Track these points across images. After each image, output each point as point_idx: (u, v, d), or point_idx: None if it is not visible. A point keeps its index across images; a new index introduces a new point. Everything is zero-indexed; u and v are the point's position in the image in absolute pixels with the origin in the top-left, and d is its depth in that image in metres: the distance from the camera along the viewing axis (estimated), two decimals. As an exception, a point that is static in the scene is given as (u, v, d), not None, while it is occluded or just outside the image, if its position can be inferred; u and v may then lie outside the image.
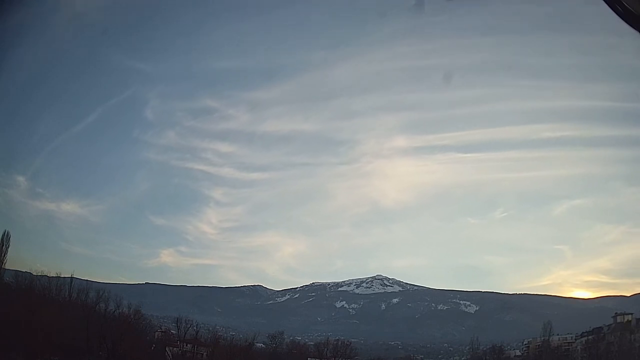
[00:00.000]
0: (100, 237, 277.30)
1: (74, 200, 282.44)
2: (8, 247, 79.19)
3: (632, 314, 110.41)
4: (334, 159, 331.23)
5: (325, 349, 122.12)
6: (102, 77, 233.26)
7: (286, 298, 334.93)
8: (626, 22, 4.28)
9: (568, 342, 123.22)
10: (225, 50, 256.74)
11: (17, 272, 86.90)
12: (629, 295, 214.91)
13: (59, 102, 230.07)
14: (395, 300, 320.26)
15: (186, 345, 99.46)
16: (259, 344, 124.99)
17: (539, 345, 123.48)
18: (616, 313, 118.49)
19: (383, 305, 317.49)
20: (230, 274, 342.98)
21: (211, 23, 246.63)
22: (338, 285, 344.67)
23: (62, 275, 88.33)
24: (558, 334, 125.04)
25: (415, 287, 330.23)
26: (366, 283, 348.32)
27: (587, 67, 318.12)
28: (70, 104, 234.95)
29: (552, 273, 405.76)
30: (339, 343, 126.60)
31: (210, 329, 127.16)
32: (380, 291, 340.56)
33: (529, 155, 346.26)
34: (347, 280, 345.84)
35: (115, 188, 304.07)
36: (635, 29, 4.31)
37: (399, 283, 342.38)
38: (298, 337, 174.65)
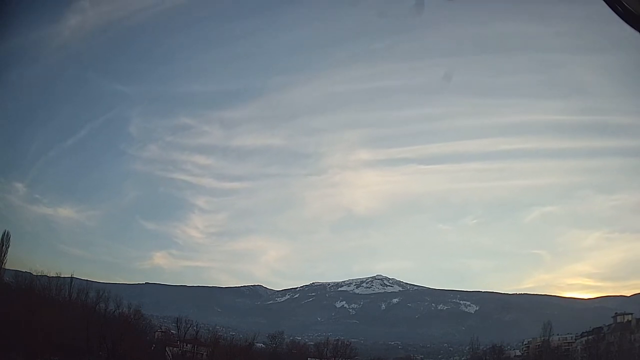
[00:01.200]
0: (97, 239, 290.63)
1: (70, 205, 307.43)
2: (8, 247, 79.05)
3: (632, 314, 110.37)
4: (303, 170, 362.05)
5: (325, 349, 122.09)
6: (89, 98, 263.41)
7: (286, 298, 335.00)
8: (626, 22, 4.27)
9: (568, 342, 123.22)
10: (197, 74, 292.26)
11: (17, 272, 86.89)
12: (629, 295, 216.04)
13: (53, 119, 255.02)
14: (395, 300, 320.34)
15: (186, 345, 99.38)
16: (259, 344, 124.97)
17: (539, 345, 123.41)
18: (616, 313, 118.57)
19: (383, 305, 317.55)
20: (221, 276, 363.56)
21: (184, 51, 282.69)
22: (338, 285, 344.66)
23: (62, 275, 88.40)
24: (558, 334, 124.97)
25: (415, 287, 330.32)
26: (366, 283, 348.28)
27: (540, 84, 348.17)
28: (63, 121, 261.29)
29: (533, 276, 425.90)
30: (339, 343, 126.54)
31: (210, 329, 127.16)
32: (380, 291, 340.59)
33: (491, 166, 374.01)
34: (347, 280, 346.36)
35: (107, 195, 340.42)
36: (635, 29, 4.30)
37: (399, 283, 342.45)
38: (298, 337, 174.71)
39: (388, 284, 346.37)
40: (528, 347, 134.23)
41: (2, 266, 79.27)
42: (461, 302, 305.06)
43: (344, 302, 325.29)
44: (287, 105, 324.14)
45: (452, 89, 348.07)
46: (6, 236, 79.28)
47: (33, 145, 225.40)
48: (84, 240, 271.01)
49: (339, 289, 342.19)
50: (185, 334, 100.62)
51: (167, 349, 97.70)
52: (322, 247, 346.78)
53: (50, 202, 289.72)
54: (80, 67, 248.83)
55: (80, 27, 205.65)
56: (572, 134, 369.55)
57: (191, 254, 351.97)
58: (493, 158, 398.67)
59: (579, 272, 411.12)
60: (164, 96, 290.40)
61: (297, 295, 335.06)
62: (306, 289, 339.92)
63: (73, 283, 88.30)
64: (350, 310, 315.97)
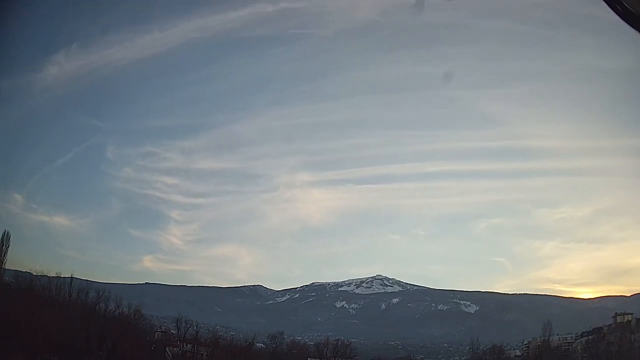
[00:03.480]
0: (90, 244, 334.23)
1: (64, 214, 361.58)
2: (8, 247, 78.84)
3: (632, 314, 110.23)
4: (257, 188, 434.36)
5: (325, 349, 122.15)
6: (71, 130, 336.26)
7: (286, 298, 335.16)
8: (626, 22, 4.28)
9: (568, 342, 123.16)
10: (159, 112, 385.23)
11: (17, 272, 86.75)
12: (629, 295, 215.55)
13: (43, 144, 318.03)
14: (395, 300, 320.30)
15: (186, 345, 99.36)
16: (259, 344, 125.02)
17: (539, 345, 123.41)
18: (616, 313, 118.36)
19: (383, 305, 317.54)
20: (205, 278, 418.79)
21: (147, 94, 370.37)
22: (338, 285, 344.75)
23: (62, 275, 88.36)
24: (558, 334, 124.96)
25: (415, 287, 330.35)
26: (366, 283, 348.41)
27: (453, 116, 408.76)
28: (52, 146, 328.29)
29: (501, 282, 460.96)
30: (339, 343, 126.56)
31: (210, 329, 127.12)
32: (380, 291, 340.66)
33: (428, 185, 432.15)
34: (347, 280, 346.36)
35: (95, 207, 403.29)
36: (635, 29, 4.31)
37: (399, 283, 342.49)
38: (298, 337, 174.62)
39: (388, 284, 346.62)
40: (528, 347, 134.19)
41: (2, 266, 79.14)
42: (461, 302, 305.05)
43: (344, 302, 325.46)
44: (233, 137, 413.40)
45: (376, 123, 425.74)
46: (6, 236, 79.17)
47: (28, 164, 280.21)
48: (79, 244, 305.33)
49: (339, 289, 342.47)
50: (185, 334, 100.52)
51: (167, 349, 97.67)
52: (292, 254, 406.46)
53: (45, 211, 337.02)
54: (61, 106, 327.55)
55: (59, 76, 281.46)
56: (499, 157, 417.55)
57: (175, 258, 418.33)
58: (427, 179, 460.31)
59: (545, 278, 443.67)
60: (133, 129, 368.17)
61: (297, 295, 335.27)
62: (306, 289, 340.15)
63: (73, 283, 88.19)
64: (350, 310, 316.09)
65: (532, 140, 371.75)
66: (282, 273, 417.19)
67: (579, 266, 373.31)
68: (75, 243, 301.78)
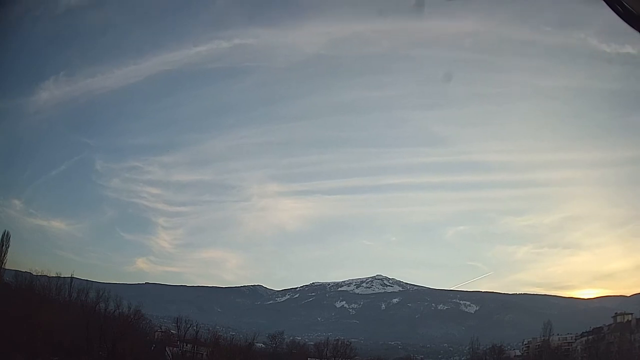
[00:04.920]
0: (87, 246, 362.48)
1: (60, 219, 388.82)
2: (8, 247, 78.98)
3: (632, 314, 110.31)
4: (231, 198, 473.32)
5: (325, 349, 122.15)
6: (63, 145, 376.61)
7: (286, 298, 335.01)
8: (626, 22, 4.28)
9: (568, 342, 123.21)
10: (139, 132, 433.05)
11: (17, 272, 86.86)
12: (629, 295, 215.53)
13: (39, 157, 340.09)
14: (395, 300, 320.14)
15: (186, 345, 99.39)
16: (259, 344, 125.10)
17: (539, 345, 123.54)
18: (616, 313, 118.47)
19: (383, 305, 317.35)
20: (197, 279, 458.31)
21: (129, 117, 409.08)
22: (338, 285, 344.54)
23: (62, 275, 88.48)
24: (558, 334, 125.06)
25: (415, 287, 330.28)
26: (366, 283, 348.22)
27: (400, 136, 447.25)
28: (46, 159, 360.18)
29: (481, 285, 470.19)
30: (339, 343, 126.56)
31: (210, 329, 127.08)
32: (380, 291, 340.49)
33: (389, 196, 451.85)
34: (347, 280, 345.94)
35: (89, 213, 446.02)
36: (635, 28, 4.31)
37: (399, 283, 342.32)
38: (298, 337, 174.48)
39: (388, 284, 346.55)
40: (528, 347, 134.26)
41: (2, 266, 79.27)
42: (461, 302, 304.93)
43: (344, 302, 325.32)
44: (205, 153, 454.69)
45: (333, 141, 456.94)
46: (6, 236, 79.33)
47: (25, 174, 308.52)
48: (76, 247, 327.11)
49: (339, 289, 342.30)
50: (185, 334, 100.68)
51: (167, 349, 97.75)
52: (277, 257, 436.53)
53: (43, 216, 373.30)
54: (52, 125, 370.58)
55: (49, 100, 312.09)
56: (455, 171, 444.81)
57: (167, 260, 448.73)
58: (390, 190, 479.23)
59: (525, 281, 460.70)
60: (117, 146, 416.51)
61: (297, 295, 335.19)
62: (306, 289, 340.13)
63: (73, 283, 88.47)
64: (350, 310, 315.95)
65: (484, 155, 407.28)
66: (274, 274, 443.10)
67: (559, 270, 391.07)
68: (72, 245, 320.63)
